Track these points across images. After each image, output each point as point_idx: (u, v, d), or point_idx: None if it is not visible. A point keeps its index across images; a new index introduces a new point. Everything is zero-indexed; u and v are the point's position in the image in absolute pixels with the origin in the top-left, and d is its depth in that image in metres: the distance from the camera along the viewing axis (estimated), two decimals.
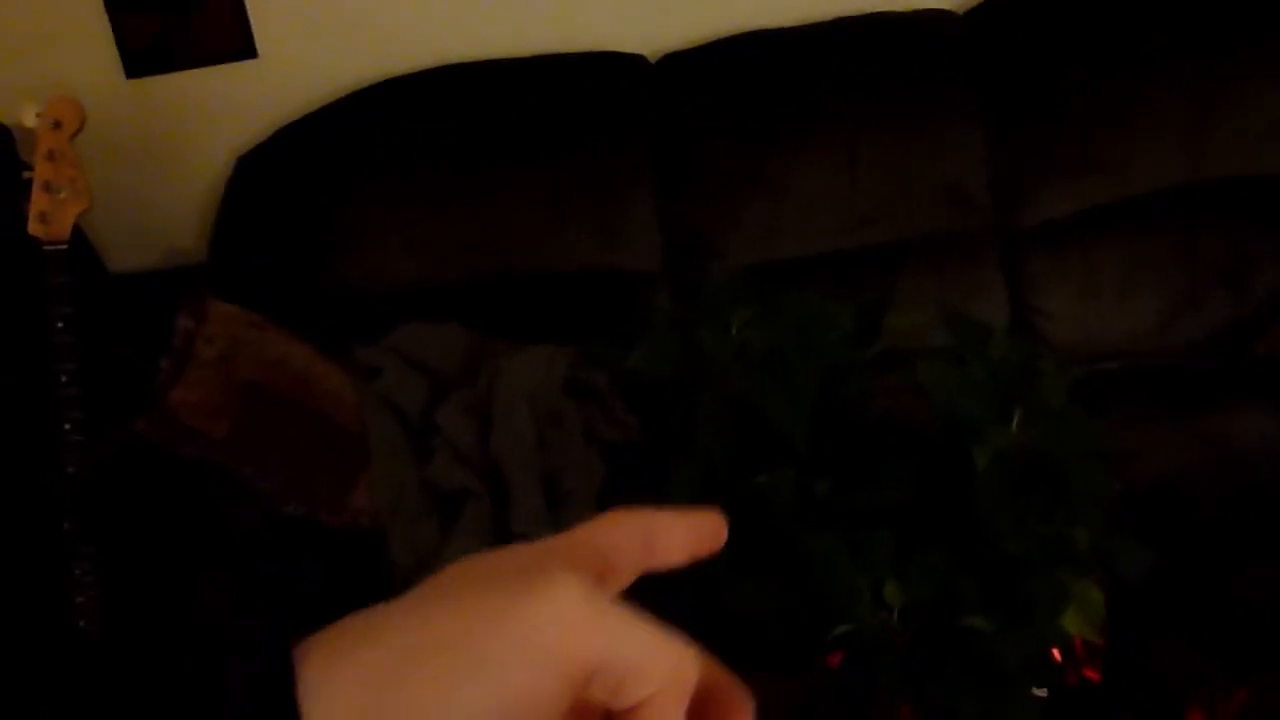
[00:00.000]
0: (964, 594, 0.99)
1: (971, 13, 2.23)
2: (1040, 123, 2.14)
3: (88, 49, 2.19)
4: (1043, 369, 1.05)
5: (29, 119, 1.82)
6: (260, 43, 2.23)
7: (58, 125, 1.82)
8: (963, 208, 2.15)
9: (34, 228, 1.80)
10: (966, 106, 2.16)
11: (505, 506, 1.84)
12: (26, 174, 1.83)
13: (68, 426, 1.78)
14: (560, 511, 1.84)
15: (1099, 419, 1.12)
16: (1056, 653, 1.10)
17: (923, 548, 1.01)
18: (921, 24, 2.21)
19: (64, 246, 1.81)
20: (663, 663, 0.39)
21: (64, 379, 1.78)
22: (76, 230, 1.83)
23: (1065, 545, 0.99)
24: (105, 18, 2.17)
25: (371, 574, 1.78)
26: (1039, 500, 1.01)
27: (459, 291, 2.17)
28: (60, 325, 1.78)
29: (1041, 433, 1.03)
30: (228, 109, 2.25)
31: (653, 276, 2.19)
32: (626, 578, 0.42)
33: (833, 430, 1.06)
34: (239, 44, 2.22)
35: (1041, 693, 1.07)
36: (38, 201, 1.80)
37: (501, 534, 1.82)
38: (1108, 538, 1.05)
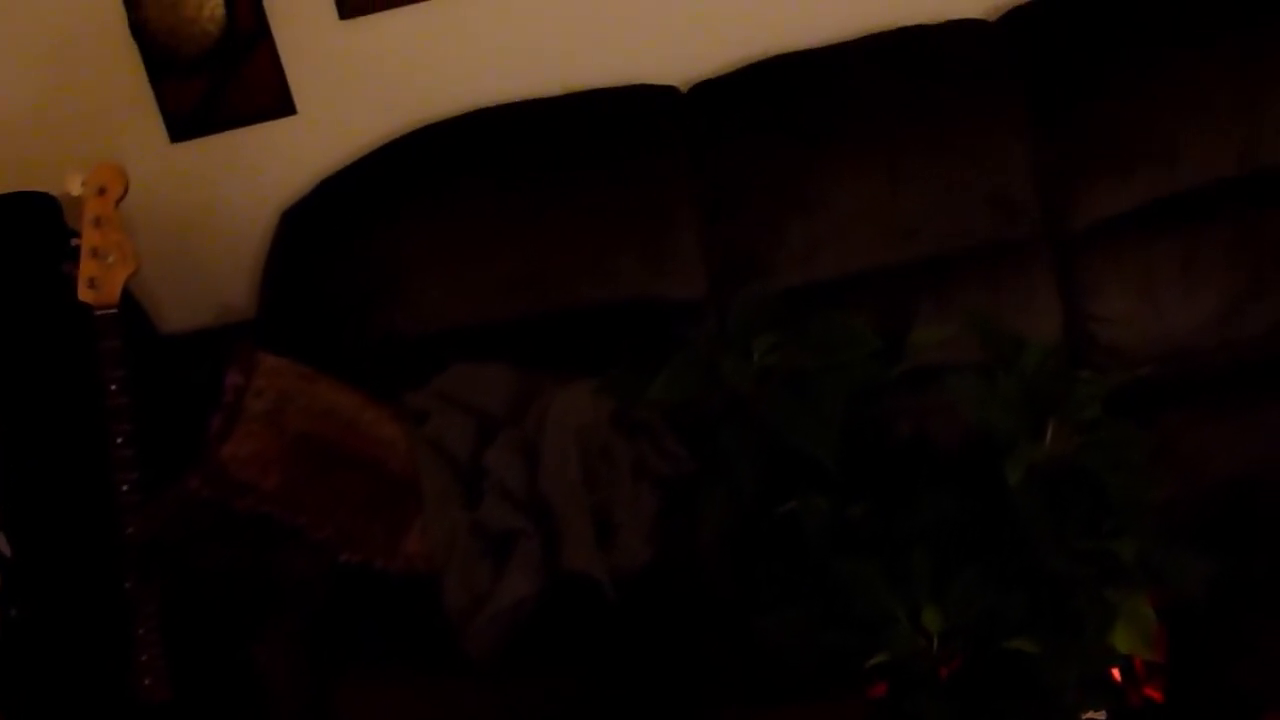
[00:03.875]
0: (1007, 615, 0.95)
1: (1004, 18, 2.19)
2: (1083, 122, 2.08)
3: (132, 117, 2.25)
4: (1078, 379, 1.01)
5: (75, 187, 1.87)
6: (299, 99, 2.27)
7: (103, 192, 1.87)
8: (1008, 214, 2.10)
9: (84, 294, 1.84)
10: (1006, 112, 2.11)
11: (556, 544, 1.83)
12: (75, 241, 1.88)
13: (125, 488, 1.81)
14: (611, 547, 1.83)
15: (1141, 427, 1.08)
16: (1116, 672, 1.05)
17: (961, 569, 0.98)
18: (954, 33, 2.17)
19: (114, 310, 1.85)
20: None
21: (119, 441, 1.82)
22: (126, 294, 1.87)
23: (1109, 560, 0.95)
24: (148, 86, 2.23)
25: (426, 618, 1.78)
26: (1078, 514, 0.97)
27: (506, 330, 2.17)
28: (114, 388, 1.82)
29: (1077, 445, 0.99)
30: (270, 165, 2.29)
31: (699, 304, 2.18)
32: None
33: (863, 452, 1.03)
34: (278, 102, 2.26)
35: (1099, 715, 1.03)
36: (86, 268, 1.85)
37: (553, 571, 1.81)
38: (1158, 550, 1.01)
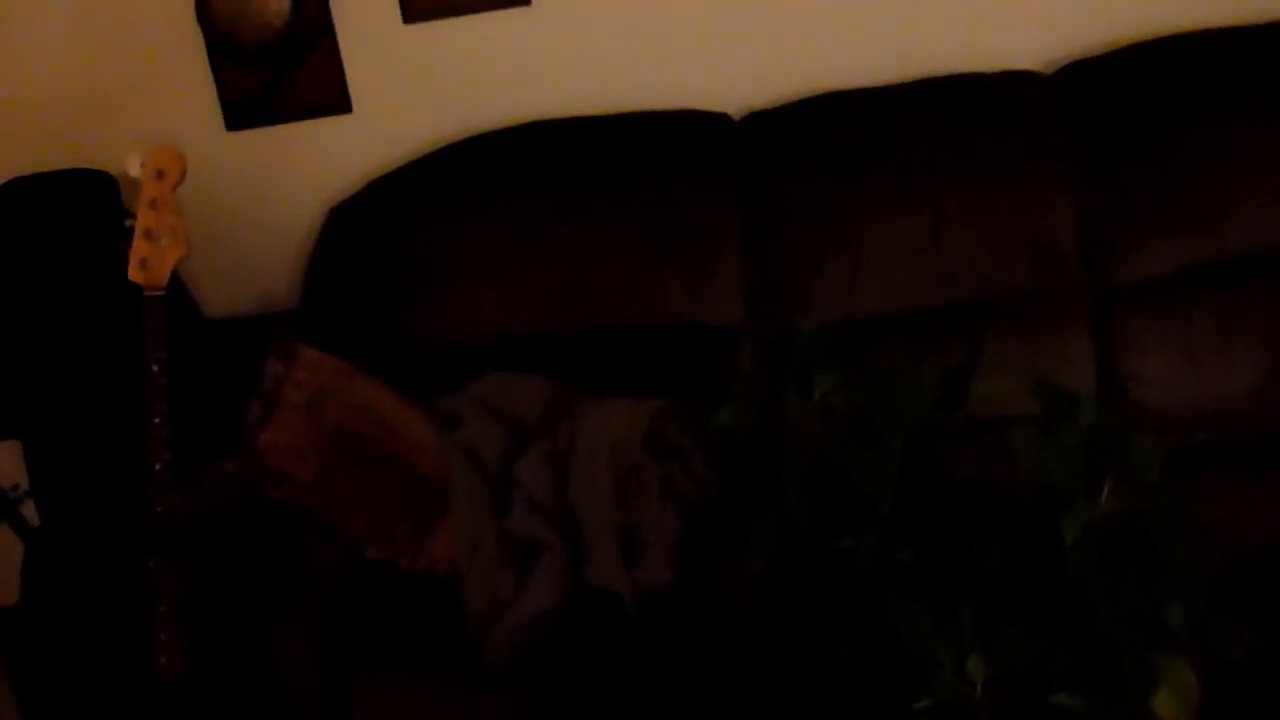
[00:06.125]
0: (1053, 669, 0.96)
1: (1060, 73, 2.21)
2: (1132, 179, 2.10)
3: (191, 102, 2.28)
4: (1136, 439, 1.02)
5: (133, 168, 1.89)
6: (355, 98, 2.29)
7: (160, 175, 1.89)
8: (1051, 266, 2.11)
9: (134, 273, 1.86)
10: (1055, 165, 2.13)
11: (581, 558, 1.84)
12: (129, 221, 1.90)
13: (158, 466, 1.83)
14: (636, 565, 1.84)
15: (1193, 490, 1.09)
16: None
17: (1009, 620, 0.99)
18: (1008, 84, 2.19)
19: (162, 292, 1.87)
20: None
21: (157, 420, 1.84)
22: (174, 276, 1.89)
23: (1158, 623, 0.96)
24: (209, 72, 2.26)
25: (447, 621, 1.79)
26: (1132, 575, 0.98)
27: (543, 342, 2.19)
28: (155, 369, 1.84)
29: (1134, 506, 1.00)
30: (322, 161, 2.32)
31: (734, 331, 2.19)
32: None
33: (918, 496, 1.05)
34: (335, 99, 2.29)
35: None
36: (139, 248, 1.87)
37: (577, 585, 1.82)
38: (1203, 617, 1.02)
